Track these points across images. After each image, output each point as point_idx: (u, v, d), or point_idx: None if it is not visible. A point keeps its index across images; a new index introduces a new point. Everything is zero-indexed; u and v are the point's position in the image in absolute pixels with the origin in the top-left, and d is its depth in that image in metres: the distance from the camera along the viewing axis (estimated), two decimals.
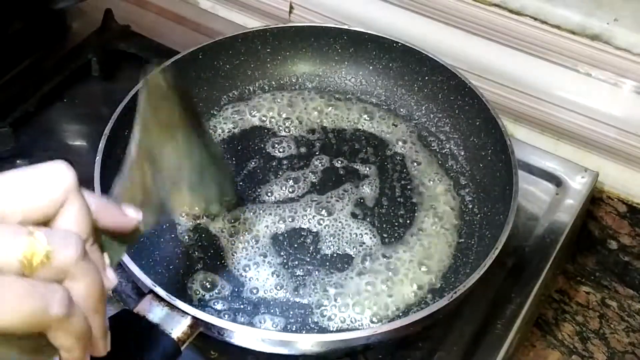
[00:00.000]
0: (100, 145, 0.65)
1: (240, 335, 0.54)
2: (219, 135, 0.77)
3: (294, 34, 0.80)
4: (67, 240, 0.34)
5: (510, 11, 0.74)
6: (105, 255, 0.40)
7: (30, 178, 0.36)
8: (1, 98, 0.81)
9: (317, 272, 0.65)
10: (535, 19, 0.73)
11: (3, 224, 0.34)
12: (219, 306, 0.62)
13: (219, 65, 0.79)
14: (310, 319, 0.62)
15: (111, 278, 0.39)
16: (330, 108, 0.80)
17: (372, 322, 0.61)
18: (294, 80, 0.82)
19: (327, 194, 0.71)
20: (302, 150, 0.76)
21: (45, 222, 0.36)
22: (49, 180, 0.36)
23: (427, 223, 0.69)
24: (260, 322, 0.61)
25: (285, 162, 0.75)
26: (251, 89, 0.81)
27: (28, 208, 0.35)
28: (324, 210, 0.70)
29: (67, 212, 0.36)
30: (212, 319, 0.53)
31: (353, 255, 0.66)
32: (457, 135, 0.76)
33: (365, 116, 0.79)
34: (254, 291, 0.64)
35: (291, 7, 0.90)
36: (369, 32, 0.78)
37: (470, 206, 0.70)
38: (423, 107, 0.79)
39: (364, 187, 0.72)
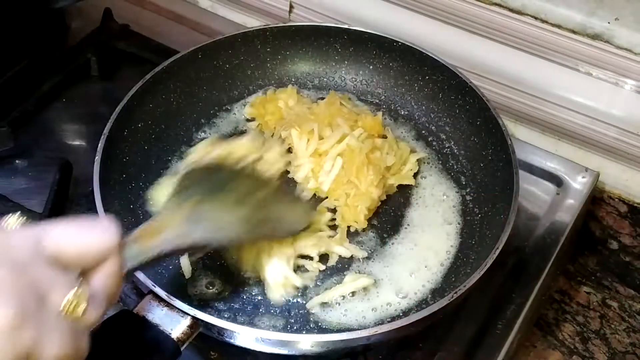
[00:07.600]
0: (99, 145, 0.65)
1: (240, 335, 0.54)
2: (220, 134, 0.77)
3: (294, 33, 0.80)
4: (100, 304, 0.39)
5: (511, 10, 0.74)
6: None
7: (86, 229, 0.39)
8: (0, 97, 0.81)
9: (317, 273, 0.65)
10: (536, 18, 0.73)
11: (61, 268, 0.37)
12: (219, 306, 0.62)
13: (218, 65, 0.78)
14: (310, 319, 0.62)
15: None
16: None
17: (372, 322, 0.61)
18: (294, 80, 0.82)
19: None
20: None
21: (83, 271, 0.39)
22: (101, 235, 0.39)
23: (428, 223, 0.69)
24: (260, 322, 0.61)
25: None
26: (251, 88, 0.81)
27: (80, 254, 0.38)
28: None
29: (105, 270, 0.40)
30: (212, 319, 0.53)
31: (353, 256, 0.66)
32: (457, 134, 0.76)
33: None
34: (254, 291, 0.64)
35: (291, 7, 0.90)
36: (369, 31, 0.78)
37: (471, 206, 0.70)
38: (423, 107, 0.78)
39: None
